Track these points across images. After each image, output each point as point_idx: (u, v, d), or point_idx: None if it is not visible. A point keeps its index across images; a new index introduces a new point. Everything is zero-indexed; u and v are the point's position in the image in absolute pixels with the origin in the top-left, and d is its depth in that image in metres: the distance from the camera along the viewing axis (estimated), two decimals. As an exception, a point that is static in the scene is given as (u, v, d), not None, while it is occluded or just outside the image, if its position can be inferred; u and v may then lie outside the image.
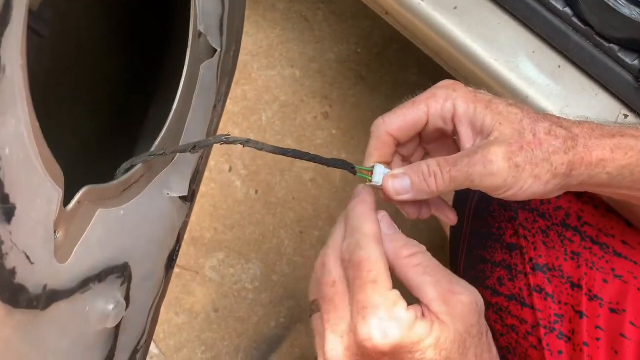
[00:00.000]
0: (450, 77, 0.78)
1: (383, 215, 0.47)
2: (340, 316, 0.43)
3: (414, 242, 0.46)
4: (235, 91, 1.25)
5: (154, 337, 1.13)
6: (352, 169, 0.48)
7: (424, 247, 0.46)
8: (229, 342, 1.14)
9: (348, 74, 1.27)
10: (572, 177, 0.48)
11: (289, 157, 0.46)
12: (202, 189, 1.20)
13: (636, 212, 0.68)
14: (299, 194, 1.22)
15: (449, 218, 0.55)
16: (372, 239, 0.44)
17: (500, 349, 0.77)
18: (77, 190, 0.39)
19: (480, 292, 0.77)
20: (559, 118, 0.50)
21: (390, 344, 0.41)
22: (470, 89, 0.50)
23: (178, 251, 0.55)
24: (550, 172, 0.46)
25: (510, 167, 0.46)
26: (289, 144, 1.24)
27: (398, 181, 0.48)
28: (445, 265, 0.48)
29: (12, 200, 0.29)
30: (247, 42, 1.26)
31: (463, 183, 0.47)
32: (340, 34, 1.28)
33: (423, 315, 0.43)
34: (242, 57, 1.27)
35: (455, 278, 0.45)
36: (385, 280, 0.42)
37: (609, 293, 0.69)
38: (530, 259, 0.72)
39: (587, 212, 0.72)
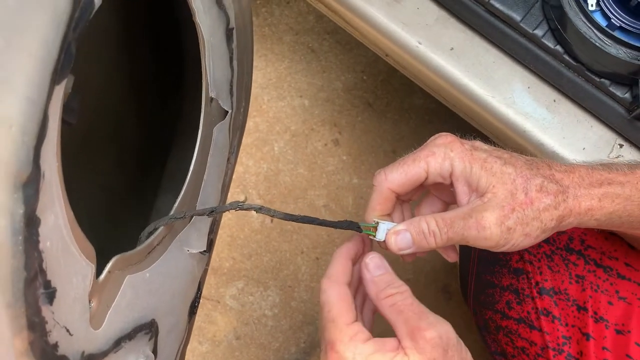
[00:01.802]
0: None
1: (372, 257, 0.52)
2: (322, 350, 0.50)
3: (397, 283, 0.51)
4: (247, 123, 1.29)
5: (179, 367, 1.16)
6: (357, 227, 0.52)
7: (404, 287, 0.51)
8: (252, 368, 1.17)
9: (355, 101, 1.31)
10: (561, 226, 0.51)
11: (298, 222, 0.50)
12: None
13: (636, 236, 0.70)
14: (313, 220, 1.26)
15: (450, 256, 0.58)
16: (331, 281, 0.50)
17: (512, 370, 0.79)
18: (104, 249, 0.43)
19: (490, 315, 0.80)
20: (551, 168, 0.53)
21: None
22: (467, 145, 0.53)
23: (199, 298, 0.59)
24: (539, 229, 0.50)
25: (502, 232, 0.49)
26: (301, 172, 1.28)
27: (400, 238, 0.51)
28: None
29: (53, 284, 0.33)
30: (257, 76, 1.31)
31: (459, 242, 0.51)
32: (346, 63, 1.32)
33: (398, 348, 0.47)
34: (253, 90, 1.31)
35: (426, 315, 0.49)
36: (341, 317, 0.48)
37: (614, 315, 0.71)
38: (537, 283, 0.75)
39: (590, 236, 0.75)
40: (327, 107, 1.31)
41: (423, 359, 0.46)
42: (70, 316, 0.36)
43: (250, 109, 1.32)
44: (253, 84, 1.33)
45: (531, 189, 0.50)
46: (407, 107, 1.31)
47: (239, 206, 0.47)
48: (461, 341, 0.49)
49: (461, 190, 0.52)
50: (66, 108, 0.41)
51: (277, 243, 1.24)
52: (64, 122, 0.42)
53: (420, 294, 1.22)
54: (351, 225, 0.52)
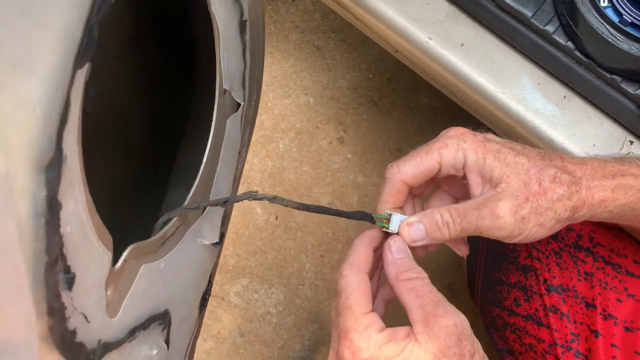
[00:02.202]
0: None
1: (395, 240, 0.52)
2: (334, 335, 0.50)
3: (417, 269, 0.51)
4: (253, 121, 1.29)
5: (183, 364, 1.16)
6: (371, 219, 0.52)
7: (424, 274, 0.50)
8: (256, 366, 1.17)
9: (361, 99, 1.31)
10: (574, 218, 0.51)
11: (312, 212, 0.50)
12: (224, 217, 1.24)
13: (645, 234, 0.70)
14: (318, 218, 1.26)
15: (461, 250, 0.58)
16: (353, 268, 0.50)
17: (520, 367, 0.79)
18: (113, 242, 0.43)
19: (497, 312, 0.80)
20: (563, 160, 0.53)
21: None
22: (479, 137, 0.53)
23: (210, 291, 0.59)
24: (554, 219, 0.50)
25: (517, 221, 0.49)
26: (306, 170, 1.27)
27: (413, 229, 0.51)
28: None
29: (72, 270, 0.33)
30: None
31: (473, 232, 0.51)
32: (352, 61, 1.32)
33: (409, 335, 0.47)
34: (258, 88, 1.31)
35: (443, 303, 0.48)
36: (359, 305, 0.48)
37: (623, 312, 0.71)
38: (545, 280, 0.75)
39: (598, 233, 0.75)
40: (333, 105, 1.31)
41: (436, 345, 0.46)
42: (88, 303, 0.36)
43: (255, 107, 1.32)
44: (258, 81, 1.33)
45: (544, 180, 0.50)
46: (413, 105, 1.31)
47: (252, 196, 0.47)
48: (473, 335, 0.49)
49: (474, 182, 0.52)
50: (84, 98, 0.41)
51: (281, 241, 1.24)
52: (83, 112, 0.42)
53: (425, 293, 1.22)
54: (365, 216, 0.52)
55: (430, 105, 1.31)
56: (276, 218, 1.25)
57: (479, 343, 0.50)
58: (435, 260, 1.22)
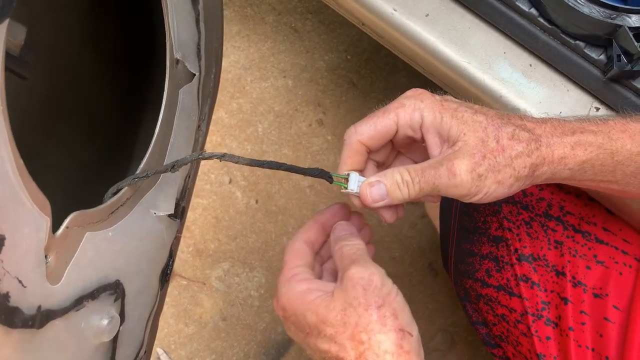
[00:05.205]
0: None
1: (340, 223, 0.56)
2: None
3: (352, 240, 0.54)
4: (231, 105, 1.28)
5: (165, 349, 1.16)
6: (329, 177, 0.51)
7: (357, 242, 0.53)
8: (238, 349, 1.17)
9: (339, 81, 1.30)
10: (535, 176, 0.51)
11: (265, 168, 0.50)
12: (204, 201, 1.24)
13: (614, 201, 0.70)
14: (298, 201, 1.25)
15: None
16: (293, 239, 0.55)
17: (494, 337, 0.79)
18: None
19: (470, 284, 0.80)
20: (522, 119, 0.52)
21: (280, 307, 0.52)
22: (437, 97, 0.52)
23: (172, 265, 0.58)
24: (513, 177, 0.49)
25: (473, 179, 0.49)
26: (286, 152, 1.27)
27: (375, 189, 0.51)
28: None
29: (0, 232, 0.32)
30: (240, 56, 1.30)
31: (431, 192, 0.50)
32: (330, 43, 1.31)
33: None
34: (236, 71, 1.30)
35: (358, 261, 0.51)
36: (289, 262, 0.53)
37: (592, 279, 0.71)
38: (516, 250, 0.74)
39: (569, 202, 0.75)
40: (311, 87, 1.30)
41: (344, 297, 0.48)
42: (23, 267, 0.35)
43: (233, 90, 1.32)
44: (235, 64, 1.32)
45: (502, 137, 0.49)
46: (392, 86, 1.30)
47: (200, 156, 0.47)
48: (393, 290, 0.49)
49: (432, 142, 0.52)
50: (19, 61, 0.40)
51: (262, 224, 1.24)
52: (19, 76, 0.41)
53: (407, 272, 1.22)
54: (322, 174, 0.51)
55: (409, 84, 1.30)
56: (256, 202, 1.25)
57: (398, 300, 0.49)
58: (416, 240, 1.21)
